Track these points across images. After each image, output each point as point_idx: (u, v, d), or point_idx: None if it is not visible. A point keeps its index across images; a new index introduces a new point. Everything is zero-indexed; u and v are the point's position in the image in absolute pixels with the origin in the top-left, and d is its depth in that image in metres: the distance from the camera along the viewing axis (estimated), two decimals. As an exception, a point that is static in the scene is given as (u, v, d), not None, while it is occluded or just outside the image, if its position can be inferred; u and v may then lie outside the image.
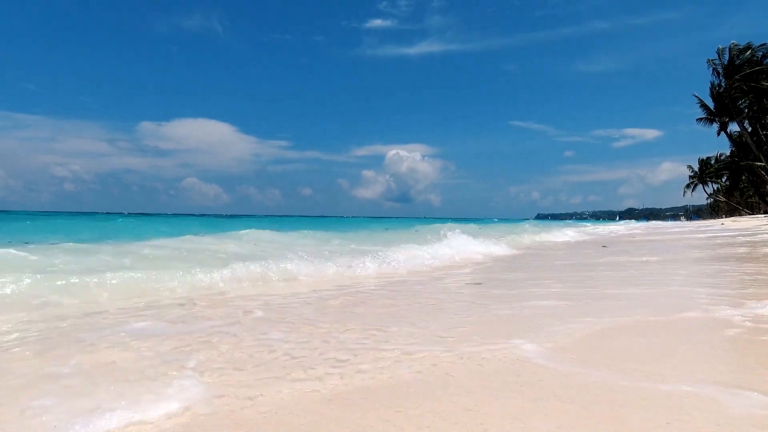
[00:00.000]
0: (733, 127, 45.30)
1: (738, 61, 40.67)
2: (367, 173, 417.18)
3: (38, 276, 4.07)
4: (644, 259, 8.05)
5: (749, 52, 40.33)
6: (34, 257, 5.37)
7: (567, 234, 18.41)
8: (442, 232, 9.67)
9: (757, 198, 50.46)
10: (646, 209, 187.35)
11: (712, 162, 57.43)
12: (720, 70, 42.24)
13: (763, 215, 39.52)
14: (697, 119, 45.94)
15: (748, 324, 2.90)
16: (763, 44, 39.78)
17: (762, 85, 38.36)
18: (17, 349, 2.64)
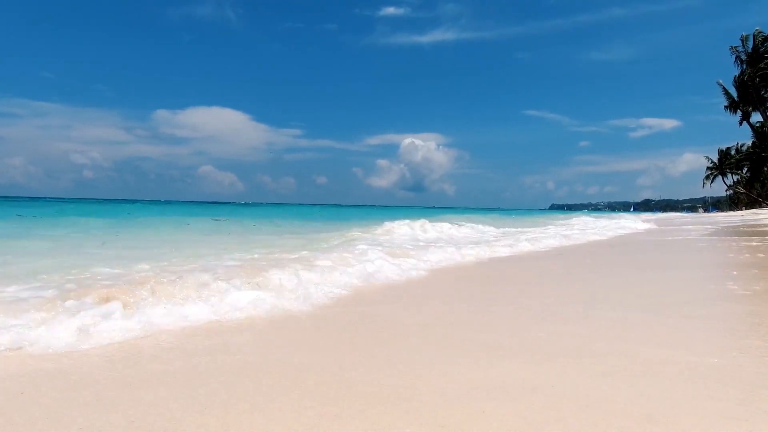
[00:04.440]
0: (756, 117, 44.87)
1: (762, 49, 40.16)
2: (381, 162, 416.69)
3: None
4: None
5: (774, 39, 39.78)
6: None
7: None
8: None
9: (778, 189, 49.94)
10: (663, 200, 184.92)
11: (732, 152, 56.62)
12: (743, 57, 41.73)
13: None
14: (725, 107, 45.39)
15: None
16: (789, 32, 39.22)
17: (786, 73, 37.89)
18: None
